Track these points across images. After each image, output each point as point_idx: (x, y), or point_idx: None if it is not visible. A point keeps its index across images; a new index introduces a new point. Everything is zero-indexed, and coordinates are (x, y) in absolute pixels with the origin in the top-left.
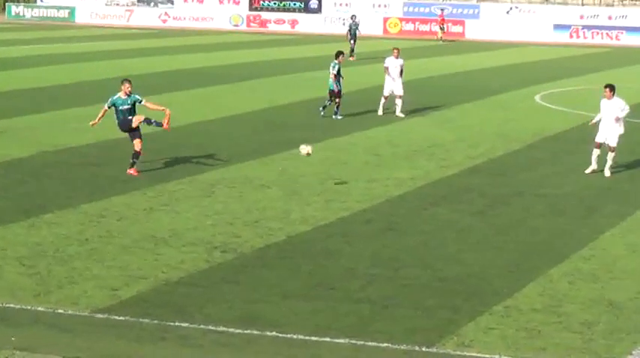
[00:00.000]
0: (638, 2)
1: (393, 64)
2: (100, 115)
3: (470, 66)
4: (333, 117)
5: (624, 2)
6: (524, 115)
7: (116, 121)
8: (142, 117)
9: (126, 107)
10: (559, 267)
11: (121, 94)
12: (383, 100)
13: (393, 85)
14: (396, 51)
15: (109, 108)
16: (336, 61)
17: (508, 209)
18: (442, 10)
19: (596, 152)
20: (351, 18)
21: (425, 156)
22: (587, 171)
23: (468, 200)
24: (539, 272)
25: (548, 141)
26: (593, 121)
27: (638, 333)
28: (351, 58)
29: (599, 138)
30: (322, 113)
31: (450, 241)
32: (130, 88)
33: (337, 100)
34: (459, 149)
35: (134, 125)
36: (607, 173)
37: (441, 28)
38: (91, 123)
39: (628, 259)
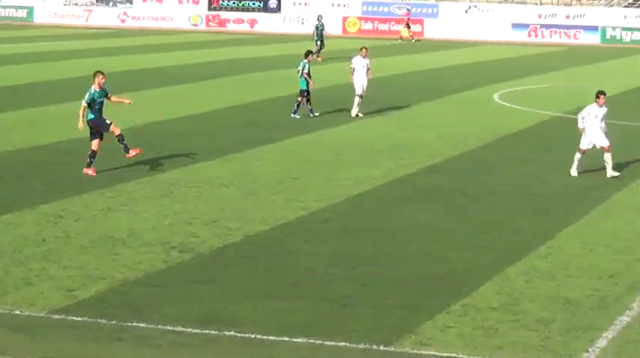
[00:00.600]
0: (595, 1)
1: (361, 63)
2: (81, 116)
3: (429, 65)
4: (292, 116)
5: (582, 1)
6: (483, 114)
7: (90, 116)
8: (119, 131)
9: (102, 100)
10: (516, 265)
11: (95, 87)
12: (358, 100)
13: (363, 83)
14: (364, 50)
15: (88, 104)
16: (306, 61)
17: (467, 208)
18: (408, 9)
19: (578, 156)
20: (318, 18)
21: (384, 155)
22: (574, 173)
23: (427, 199)
24: (496, 271)
25: (507, 140)
26: (581, 128)
27: (594, 330)
28: (314, 58)
29: (586, 145)
30: (311, 113)
31: (408, 240)
32: (103, 79)
33: (299, 99)
34: (418, 148)
35: (112, 131)
36: (614, 173)
37: (407, 26)
38: (80, 127)
39: (584, 257)
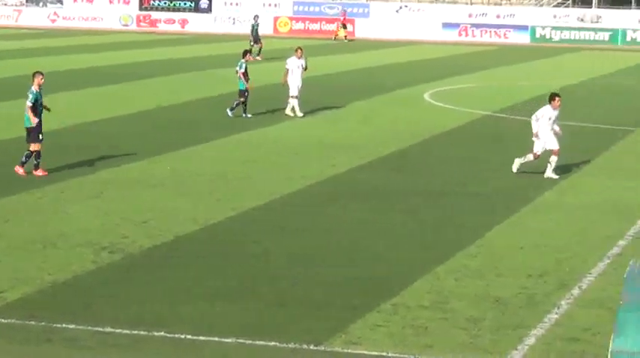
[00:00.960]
0: (525, 1)
1: (296, 64)
2: (32, 115)
3: (360, 64)
4: (227, 110)
5: (511, 1)
6: (414, 113)
7: (36, 120)
8: (39, 147)
9: (41, 102)
10: (446, 264)
11: (35, 87)
12: (295, 101)
13: (298, 84)
14: (299, 51)
15: (32, 104)
16: (243, 60)
17: (397, 206)
18: (344, 9)
19: (530, 158)
20: (254, 18)
21: (316, 155)
22: (514, 169)
23: (358, 198)
24: (426, 270)
25: (438, 139)
26: (536, 131)
27: (523, 328)
28: (252, 58)
29: (541, 149)
30: (244, 114)
31: (339, 240)
32: (42, 80)
33: (241, 99)
34: (350, 147)
35: (36, 144)
36: (552, 176)
37: (343, 27)
38: (35, 122)
39: (513, 256)
